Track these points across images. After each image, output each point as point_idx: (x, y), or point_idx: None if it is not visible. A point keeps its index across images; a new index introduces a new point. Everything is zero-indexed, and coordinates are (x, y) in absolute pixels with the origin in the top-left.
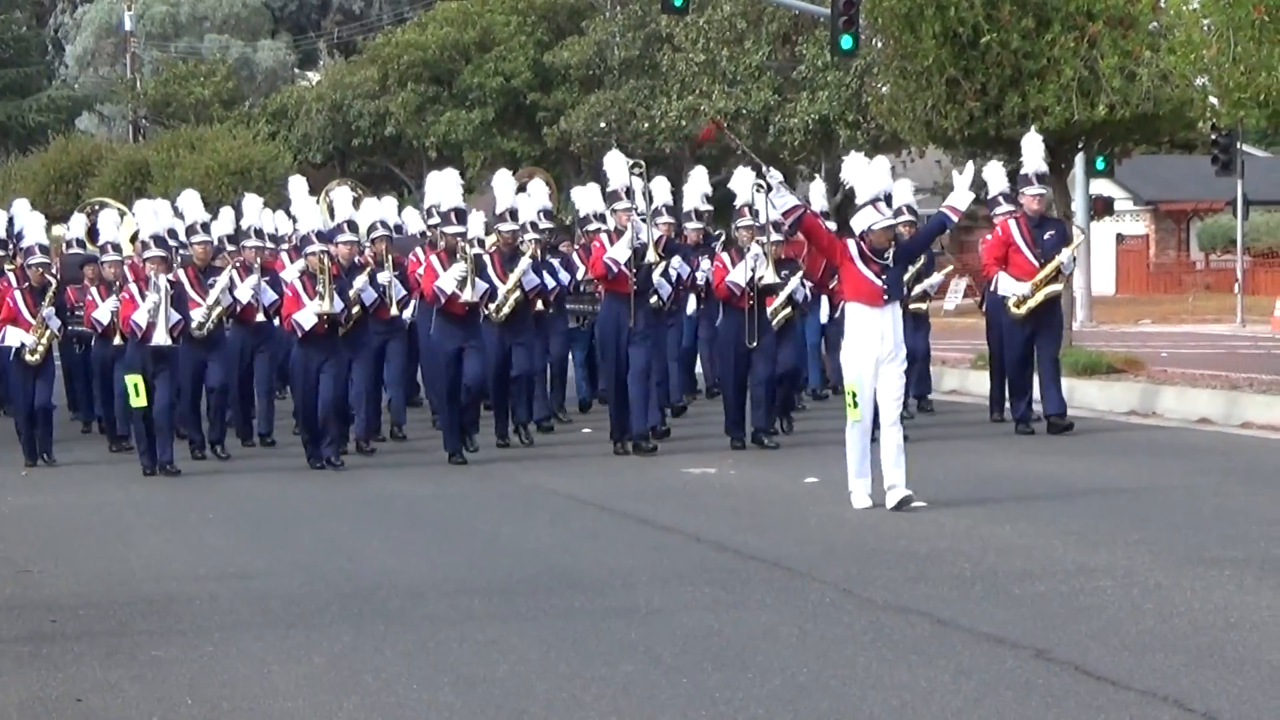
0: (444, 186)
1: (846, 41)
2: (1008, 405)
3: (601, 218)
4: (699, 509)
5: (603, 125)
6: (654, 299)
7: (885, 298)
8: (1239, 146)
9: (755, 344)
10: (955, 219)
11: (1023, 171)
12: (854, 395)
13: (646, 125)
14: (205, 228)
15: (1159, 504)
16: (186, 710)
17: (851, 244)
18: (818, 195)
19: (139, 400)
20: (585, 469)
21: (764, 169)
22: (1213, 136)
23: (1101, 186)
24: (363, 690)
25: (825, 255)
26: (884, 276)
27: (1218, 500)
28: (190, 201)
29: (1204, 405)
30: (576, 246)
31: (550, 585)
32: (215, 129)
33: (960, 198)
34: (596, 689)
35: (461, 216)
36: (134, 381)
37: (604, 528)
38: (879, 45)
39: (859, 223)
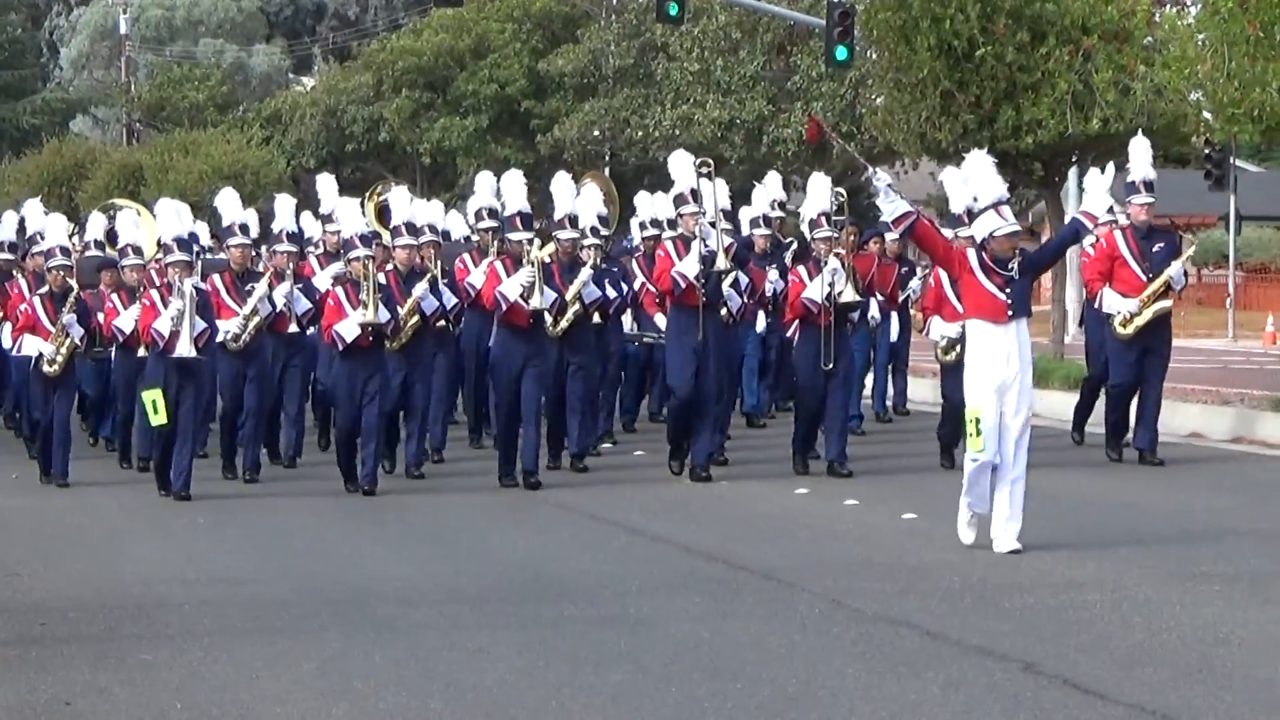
0: (511, 188)
1: (841, 53)
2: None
3: (658, 224)
4: (689, 519)
5: (596, 134)
6: (723, 311)
7: (1010, 313)
8: (1232, 162)
9: (831, 366)
10: (1092, 227)
11: (1129, 179)
12: (976, 423)
13: (640, 134)
14: (244, 229)
15: (1149, 518)
16: (175, 715)
17: (971, 254)
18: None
19: (159, 418)
20: (575, 477)
21: (871, 170)
22: (1206, 151)
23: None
24: (352, 697)
25: (942, 266)
26: (1008, 290)
27: (1208, 515)
28: (228, 201)
29: (1195, 420)
30: (637, 255)
31: (539, 594)
32: (209, 133)
33: (1096, 203)
34: (585, 698)
35: (528, 221)
36: (153, 398)
37: (594, 537)
38: (874, 57)
39: (979, 229)
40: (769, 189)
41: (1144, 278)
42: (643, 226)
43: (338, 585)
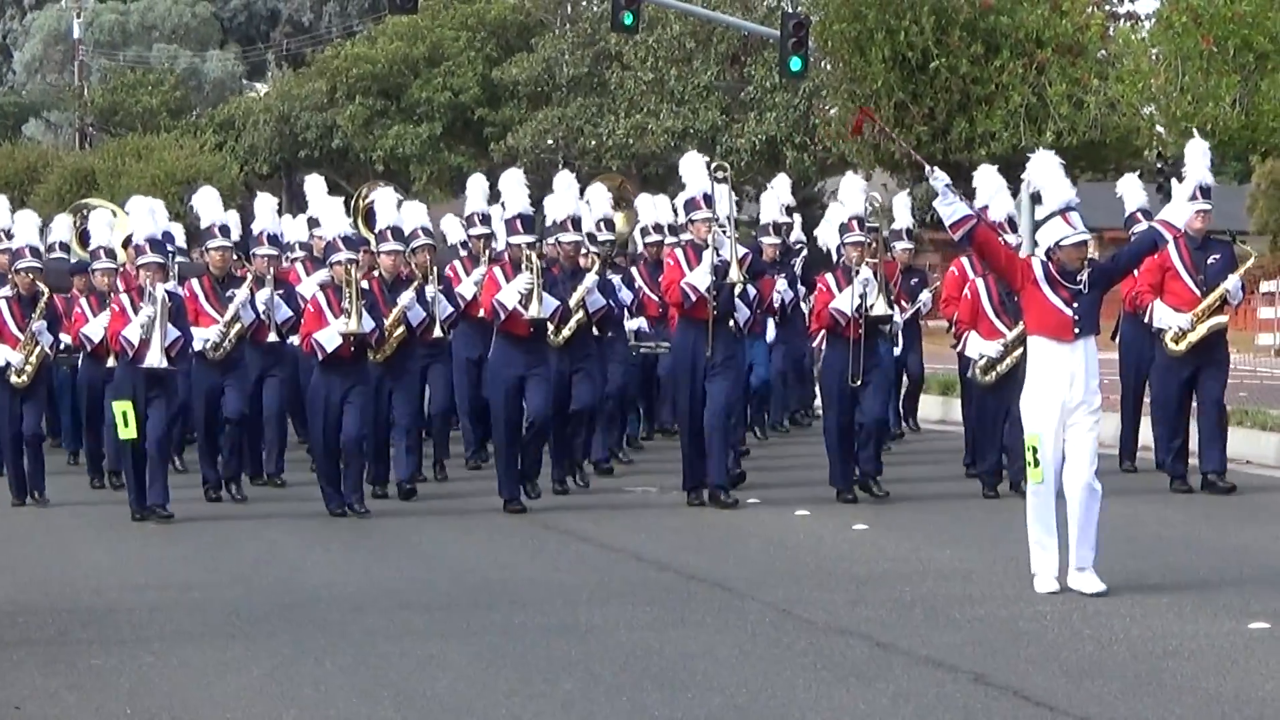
0: (511, 189)
1: (795, 63)
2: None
3: (661, 229)
4: (640, 528)
5: (550, 142)
6: (730, 323)
7: (1077, 331)
8: (1184, 175)
9: (860, 382)
10: (1171, 236)
11: (1184, 183)
12: (1034, 451)
13: (594, 143)
14: (225, 231)
15: (1099, 530)
16: None
17: (1037, 264)
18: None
19: (128, 431)
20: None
21: (929, 169)
22: (1159, 165)
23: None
24: (302, 703)
25: (1003, 277)
26: (1075, 305)
27: (1158, 528)
28: (207, 200)
29: (1144, 432)
30: (638, 262)
31: (490, 601)
32: (162, 138)
33: (1178, 211)
34: (536, 706)
35: (529, 224)
36: (123, 409)
37: (545, 545)
38: (828, 68)
39: (1045, 237)
40: (778, 193)
41: (1197, 291)
42: (644, 232)
43: (289, 591)
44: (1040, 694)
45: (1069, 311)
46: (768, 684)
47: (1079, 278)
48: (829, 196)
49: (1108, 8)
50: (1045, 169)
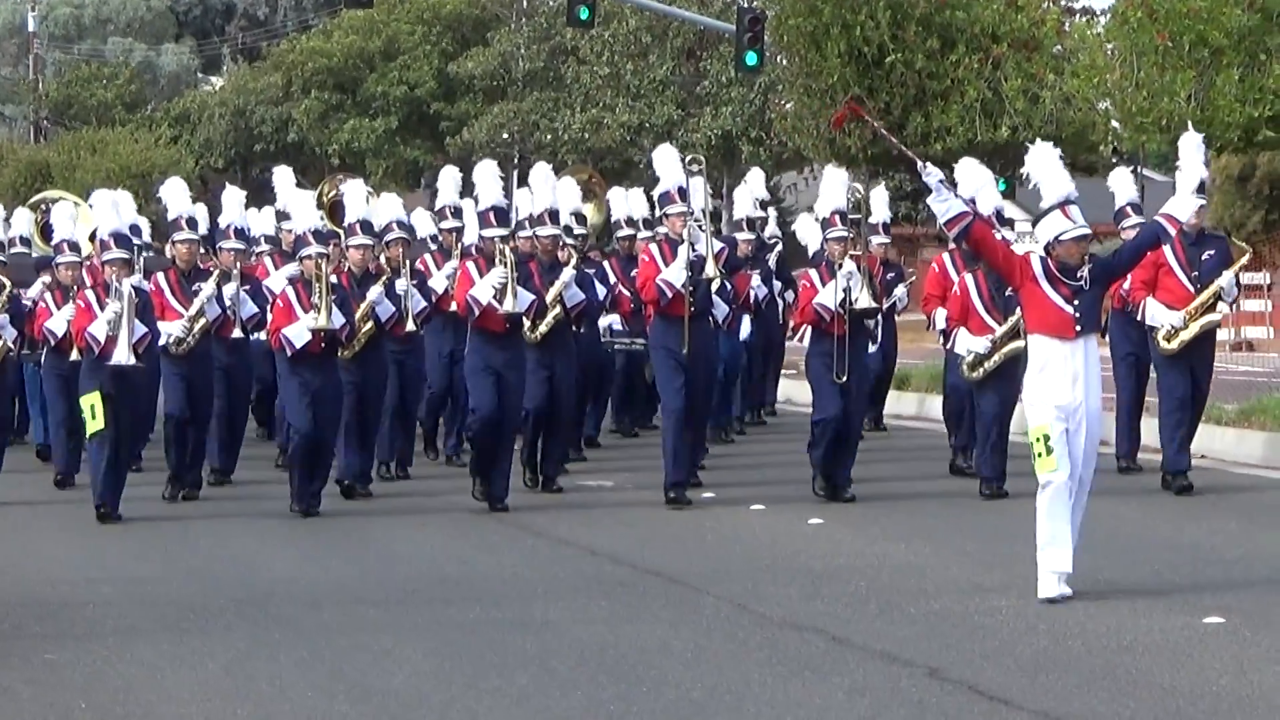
0: (484, 181)
1: (751, 58)
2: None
3: (633, 223)
4: (595, 522)
5: (506, 136)
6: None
7: (1078, 329)
8: (1140, 170)
9: (845, 379)
10: (1174, 231)
11: (1184, 177)
12: (1044, 439)
13: (550, 137)
14: (192, 223)
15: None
16: (80, 714)
17: (1035, 260)
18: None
19: (96, 424)
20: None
21: (922, 165)
22: (1114, 160)
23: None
24: (257, 698)
25: (1001, 274)
26: (1076, 302)
27: (1113, 523)
28: (175, 192)
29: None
30: (610, 257)
31: (446, 596)
32: (117, 132)
33: (1181, 206)
34: (490, 700)
35: (503, 216)
36: (90, 402)
37: (500, 540)
38: (784, 62)
39: (1043, 232)
40: (751, 187)
41: (1191, 288)
42: (617, 225)
43: (244, 586)
44: (995, 688)
45: (1069, 309)
46: (723, 678)
47: (1079, 274)
48: (784, 191)
49: (1063, 3)
50: (1043, 161)
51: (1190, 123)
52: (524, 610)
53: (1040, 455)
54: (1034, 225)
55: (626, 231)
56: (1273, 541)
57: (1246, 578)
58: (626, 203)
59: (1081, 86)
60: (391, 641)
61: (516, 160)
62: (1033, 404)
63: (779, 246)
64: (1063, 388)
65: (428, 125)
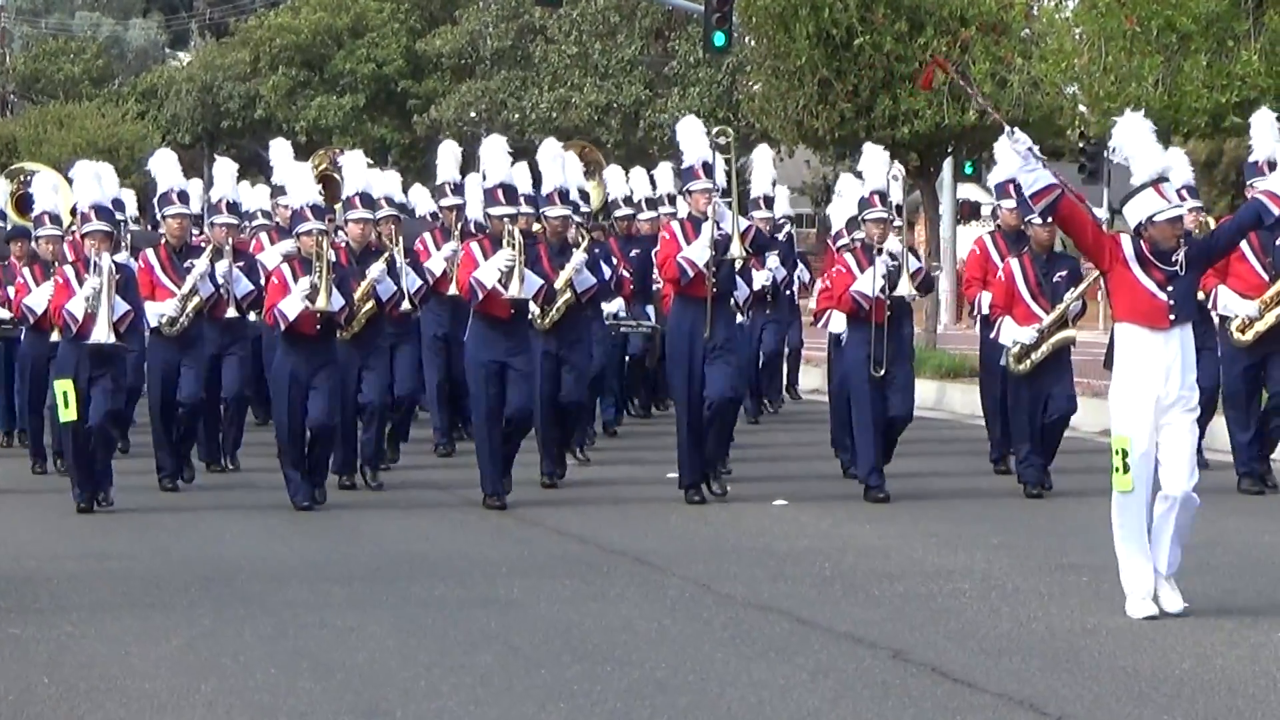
0: (492, 157)
1: (719, 39)
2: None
3: (632, 202)
4: (560, 502)
5: (473, 115)
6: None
7: (1172, 318)
8: (1107, 155)
9: (884, 372)
10: (1276, 209)
11: (1251, 159)
12: (1123, 454)
13: (517, 116)
14: (183, 197)
15: (1020, 509)
16: (43, 689)
17: (1126, 242)
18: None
19: (68, 413)
20: (446, 459)
21: (1009, 130)
22: (1081, 145)
23: (969, 191)
24: (221, 673)
25: (1089, 255)
26: (1170, 288)
27: (1078, 507)
28: (165, 164)
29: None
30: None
31: (410, 574)
32: (84, 106)
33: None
34: (454, 678)
35: (512, 194)
36: (63, 389)
37: (466, 518)
38: (751, 44)
39: (1133, 212)
40: (759, 166)
41: (1265, 275)
42: (615, 205)
43: (209, 562)
44: (958, 670)
45: (1163, 296)
46: (687, 658)
47: (1174, 258)
48: (749, 172)
49: None
50: (1134, 134)
51: (1263, 101)
52: (489, 589)
53: (1118, 470)
54: (1121, 205)
55: (625, 211)
56: (1235, 528)
57: (1209, 563)
58: (623, 182)
59: (1049, 70)
60: (356, 619)
61: (485, 139)
62: (1118, 405)
63: (788, 227)
64: (1155, 381)
65: (395, 103)
